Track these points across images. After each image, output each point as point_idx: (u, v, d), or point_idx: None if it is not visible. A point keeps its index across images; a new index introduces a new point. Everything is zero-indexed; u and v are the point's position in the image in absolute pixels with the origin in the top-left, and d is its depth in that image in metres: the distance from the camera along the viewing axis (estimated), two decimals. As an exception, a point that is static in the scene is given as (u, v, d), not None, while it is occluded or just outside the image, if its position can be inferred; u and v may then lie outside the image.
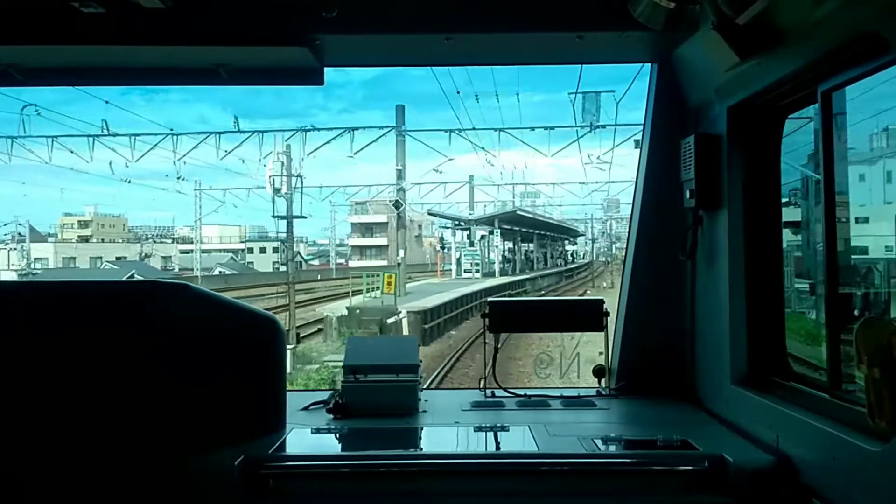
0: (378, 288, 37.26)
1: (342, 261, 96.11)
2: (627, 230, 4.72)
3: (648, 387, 4.22)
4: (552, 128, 37.45)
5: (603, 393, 4.33)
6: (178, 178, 45.31)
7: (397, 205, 42.87)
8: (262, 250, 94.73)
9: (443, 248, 70.91)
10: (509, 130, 39.33)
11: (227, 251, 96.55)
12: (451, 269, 62.18)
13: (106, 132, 37.41)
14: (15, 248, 67.89)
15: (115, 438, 3.22)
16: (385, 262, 69.01)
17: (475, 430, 3.72)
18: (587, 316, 4.41)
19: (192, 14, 3.56)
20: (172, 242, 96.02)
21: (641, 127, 4.71)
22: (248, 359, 3.54)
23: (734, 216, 3.63)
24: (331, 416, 3.84)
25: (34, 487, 3.14)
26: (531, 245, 74.99)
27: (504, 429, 3.67)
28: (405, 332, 28.07)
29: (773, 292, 3.62)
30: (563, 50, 4.14)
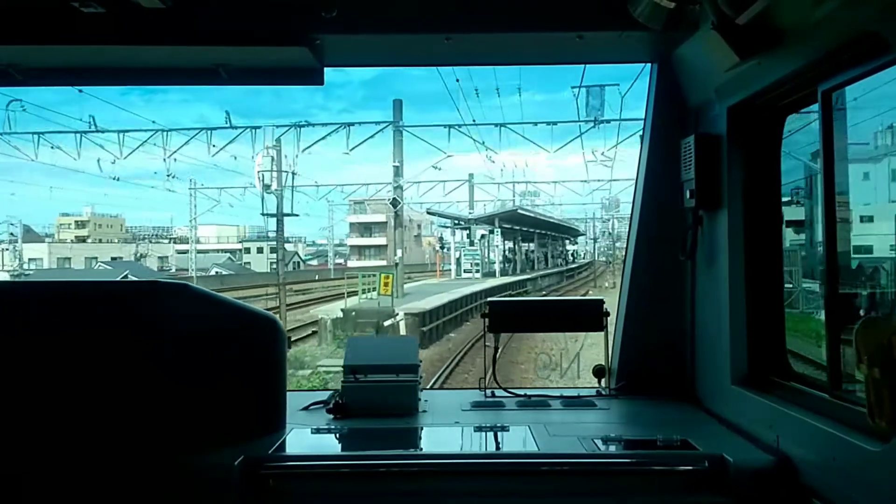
0: (374, 289, 35.92)
1: (341, 261, 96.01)
2: (627, 230, 4.72)
3: (648, 387, 4.22)
4: (554, 123, 36.89)
5: (603, 393, 4.33)
6: (168, 175, 44.05)
7: (395, 203, 41.71)
8: (260, 250, 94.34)
9: (442, 247, 70.62)
10: (510, 126, 38.62)
11: (225, 251, 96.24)
12: (450, 269, 61.79)
13: (94, 128, 36.79)
14: (7, 249, 67.46)
15: (115, 438, 3.22)
16: (384, 262, 68.56)
17: (475, 430, 3.72)
18: (587, 316, 4.42)
19: (192, 14, 3.55)
20: (169, 242, 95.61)
21: (642, 126, 4.71)
22: (248, 359, 3.54)
23: (734, 216, 3.63)
24: (331, 416, 3.84)
25: (35, 487, 3.14)
26: (532, 245, 74.81)
27: (504, 429, 3.67)
28: (402, 334, 27.28)
29: (773, 292, 3.62)
30: (563, 50, 4.14)
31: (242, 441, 3.33)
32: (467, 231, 59.43)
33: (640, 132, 4.65)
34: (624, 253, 4.75)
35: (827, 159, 2.89)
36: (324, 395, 4.12)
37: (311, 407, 4.02)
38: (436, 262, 72.08)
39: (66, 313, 3.33)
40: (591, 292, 48.13)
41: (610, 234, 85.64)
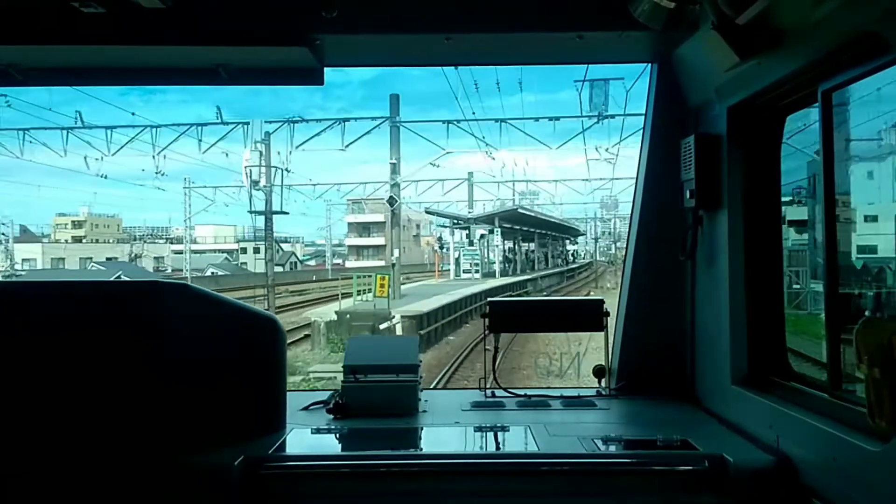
0: (370, 290, 34.74)
1: (339, 261, 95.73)
2: (627, 230, 4.72)
3: (648, 387, 4.22)
4: (557, 118, 35.99)
5: (603, 393, 4.33)
6: (158, 173, 41.73)
7: (392, 201, 40.10)
8: (256, 250, 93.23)
9: (441, 247, 70.34)
10: (511, 121, 37.63)
11: (222, 251, 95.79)
12: (449, 270, 61.21)
13: (80, 124, 35.82)
14: (-1, 248, 67.03)
15: (115, 438, 3.22)
16: (383, 263, 68.09)
17: (475, 431, 3.72)
18: (587, 316, 4.42)
19: (192, 14, 3.55)
20: (165, 242, 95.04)
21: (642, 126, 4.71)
22: (248, 359, 3.54)
23: (734, 216, 3.63)
24: (331, 416, 3.85)
25: (35, 487, 3.14)
26: (532, 245, 74.63)
27: (504, 429, 3.67)
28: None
29: (773, 292, 3.62)
30: (563, 50, 4.14)
31: (242, 441, 3.33)
32: (466, 231, 58.95)
33: (641, 131, 4.65)
34: (624, 253, 4.75)
35: (827, 159, 2.89)
36: (324, 395, 4.12)
37: (311, 407, 4.02)
38: (434, 263, 71.79)
39: (66, 313, 3.33)
40: (592, 293, 47.94)
41: (611, 233, 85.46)
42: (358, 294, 35.28)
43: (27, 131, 35.74)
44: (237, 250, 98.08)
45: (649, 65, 4.32)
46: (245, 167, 37.31)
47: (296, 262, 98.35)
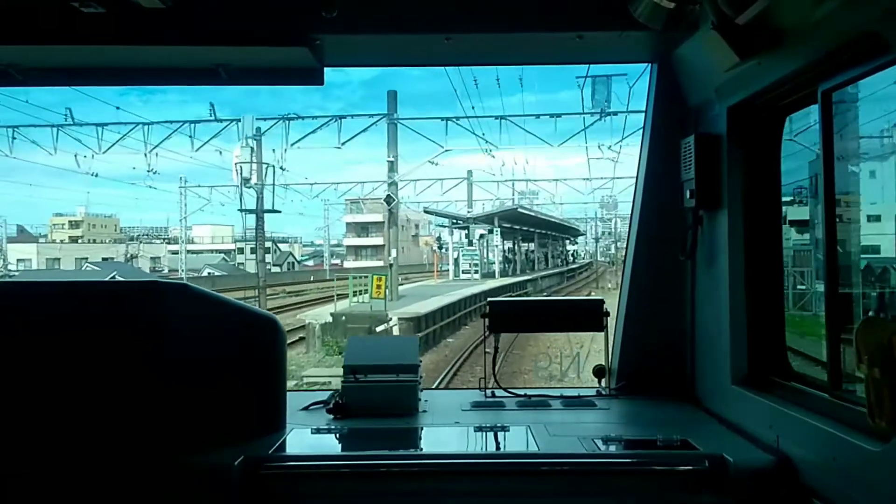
0: (366, 291, 33.49)
1: (338, 261, 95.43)
2: (627, 230, 4.72)
3: (648, 387, 4.22)
4: (558, 115, 35.14)
5: (603, 393, 4.33)
6: (150, 171, 40.24)
7: (389, 200, 38.85)
8: (253, 250, 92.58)
9: (440, 247, 70.05)
10: (511, 118, 36.64)
11: (220, 251, 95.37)
12: (448, 270, 60.74)
13: (70, 121, 34.81)
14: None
15: (115, 438, 3.22)
16: (381, 263, 67.42)
17: (475, 431, 3.72)
18: (587, 316, 4.42)
19: (192, 14, 3.55)
20: (161, 243, 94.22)
21: (642, 127, 4.71)
22: (248, 359, 3.54)
23: (734, 216, 3.63)
24: (331, 416, 3.85)
25: (35, 487, 3.14)
26: (531, 245, 74.46)
27: (504, 429, 3.67)
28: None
29: (774, 292, 3.62)
30: (563, 50, 4.14)
31: (242, 441, 3.33)
32: (466, 231, 58.50)
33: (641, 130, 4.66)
34: (624, 253, 4.75)
35: (827, 159, 2.89)
36: (324, 396, 4.12)
37: (311, 407, 4.02)
38: (433, 263, 71.51)
39: (66, 313, 3.33)
40: (593, 293, 47.78)
41: (611, 233, 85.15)
42: (354, 295, 34.33)
43: (16, 129, 34.98)
44: (234, 251, 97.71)
45: (650, 64, 4.32)
46: (236, 164, 35.85)
47: (293, 263, 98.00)
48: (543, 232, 73.04)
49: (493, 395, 4.34)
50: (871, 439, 2.54)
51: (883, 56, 2.49)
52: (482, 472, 3.28)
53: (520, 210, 57.30)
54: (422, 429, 3.75)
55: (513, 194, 68.20)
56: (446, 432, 3.71)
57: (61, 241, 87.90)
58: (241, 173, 35.75)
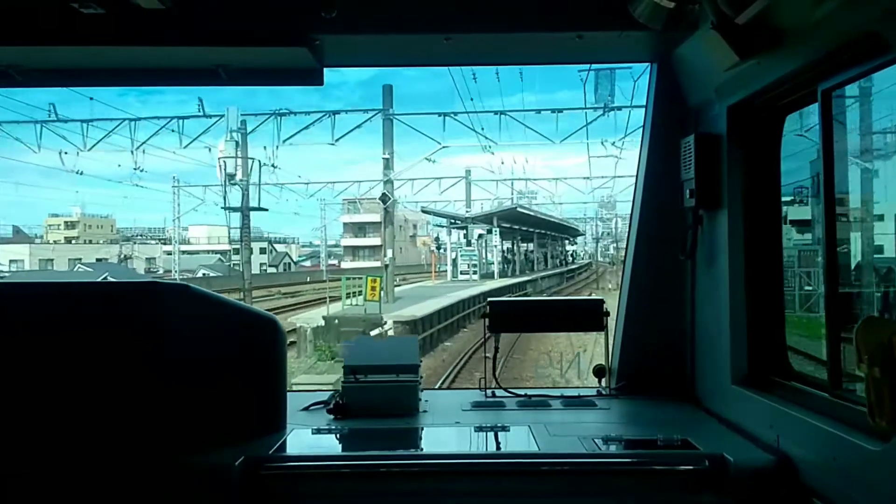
0: (360, 293, 31.89)
1: (335, 261, 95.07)
2: (627, 230, 4.72)
3: (649, 387, 4.22)
4: (560, 110, 34.13)
5: (603, 393, 4.33)
6: (137, 169, 38.44)
7: (384, 198, 37.24)
8: (248, 250, 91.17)
9: (438, 248, 69.65)
10: (511, 113, 35.41)
11: (216, 252, 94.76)
12: (446, 271, 60.16)
13: (54, 118, 33.47)
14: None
15: (115, 438, 3.22)
16: (379, 263, 67.04)
17: (476, 430, 3.72)
18: (587, 316, 4.42)
19: (192, 15, 3.55)
20: (157, 243, 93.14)
21: (641, 126, 4.71)
22: (248, 359, 3.54)
23: (734, 216, 3.63)
24: (331, 416, 3.85)
25: (34, 487, 3.14)
26: (531, 245, 74.26)
27: (504, 429, 3.67)
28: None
29: (773, 292, 3.62)
30: (563, 50, 4.14)
31: (243, 441, 3.33)
32: (464, 231, 57.96)
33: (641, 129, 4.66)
34: (624, 253, 4.75)
35: (827, 159, 2.90)
36: (324, 396, 4.11)
37: (312, 407, 4.02)
38: (431, 264, 71.13)
39: (66, 314, 3.33)
40: (593, 294, 47.43)
41: (611, 234, 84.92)
42: (348, 297, 32.89)
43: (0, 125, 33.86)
44: (230, 251, 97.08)
45: (650, 64, 4.32)
46: (219, 159, 33.61)
47: (289, 263, 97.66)
48: (543, 232, 72.82)
49: (494, 395, 4.34)
50: (871, 439, 2.55)
51: (883, 56, 2.49)
52: (482, 472, 3.28)
53: (519, 210, 56.82)
54: (422, 429, 3.75)
55: (511, 194, 67.81)
56: (447, 432, 3.71)
57: (54, 242, 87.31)
58: (224, 169, 33.58)
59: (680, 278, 4.24)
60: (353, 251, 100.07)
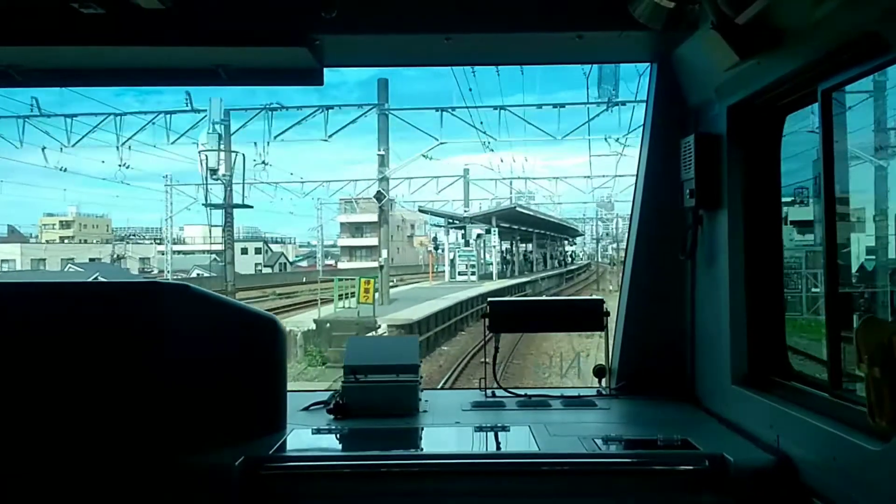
0: (353, 294, 30.74)
1: (332, 262, 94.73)
2: (627, 230, 4.72)
3: (649, 387, 4.23)
4: (562, 105, 33.13)
5: (603, 393, 4.34)
6: (122, 165, 36.49)
7: (379, 196, 35.84)
8: (244, 251, 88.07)
9: (436, 248, 69.31)
10: (511, 108, 34.90)
11: (212, 252, 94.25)
12: (444, 271, 59.71)
13: (37, 112, 32.33)
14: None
15: (115, 438, 3.22)
16: (376, 264, 66.45)
17: (476, 431, 3.72)
18: (587, 316, 4.42)
19: (192, 15, 3.55)
20: (151, 243, 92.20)
21: (641, 126, 4.72)
22: (248, 359, 3.54)
23: (734, 216, 3.63)
24: (331, 416, 3.84)
25: (34, 487, 3.14)
26: (530, 245, 74.01)
27: (504, 429, 3.67)
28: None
29: (774, 292, 3.62)
30: (563, 50, 4.14)
31: (243, 441, 3.33)
32: (462, 231, 57.36)
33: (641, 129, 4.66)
34: (624, 253, 4.75)
35: (827, 159, 2.90)
36: (324, 396, 4.12)
37: (312, 407, 4.02)
38: (429, 264, 70.62)
39: (66, 314, 3.32)
40: (594, 295, 46.78)
41: (610, 234, 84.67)
42: (340, 299, 31.73)
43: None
44: (225, 252, 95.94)
45: (650, 64, 4.33)
46: (200, 152, 31.53)
47: (285, 264, 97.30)
48: (542, 232, 72.55)
49: (494, 395, 4.34)
50: (871, 439, 2.55)
51: (883, 56, 2.50)
52: (483, 472, 3.28)
53: (518, 210, 56.35)
54: (422, 429, 3.75)
55: (510, 193, 67.32)
56: (447, 432, 3.71)
57: (47, 241, 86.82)
58: (206, 163, 31.37)
59: (680, 278, 4.24)
60: (350, 251, 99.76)
